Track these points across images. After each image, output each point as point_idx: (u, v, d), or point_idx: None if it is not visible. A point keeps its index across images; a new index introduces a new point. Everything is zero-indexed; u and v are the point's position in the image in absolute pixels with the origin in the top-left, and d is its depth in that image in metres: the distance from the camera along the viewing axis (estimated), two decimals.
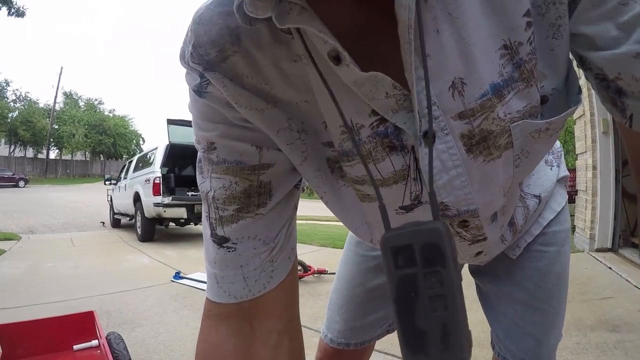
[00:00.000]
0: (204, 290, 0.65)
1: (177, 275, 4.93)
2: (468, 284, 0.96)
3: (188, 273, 5.07)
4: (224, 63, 0.51)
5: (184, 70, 0.56)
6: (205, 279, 3.87)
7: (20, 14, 8.48)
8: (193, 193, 8.40)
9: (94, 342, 2.35)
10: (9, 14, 8.43)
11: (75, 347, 2.32)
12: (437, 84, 0.46)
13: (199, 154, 0.60)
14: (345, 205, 0.62)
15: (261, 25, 0.47)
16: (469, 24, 0.44)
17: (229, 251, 0.59)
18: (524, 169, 0.58)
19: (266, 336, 0.62)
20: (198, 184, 0.61)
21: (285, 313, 0.65)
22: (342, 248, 1.10)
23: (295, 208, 0.66)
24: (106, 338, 2.20)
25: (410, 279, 0.36)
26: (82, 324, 2.40)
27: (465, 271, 0.95)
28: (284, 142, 0.56)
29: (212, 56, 0.51)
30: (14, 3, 8.28)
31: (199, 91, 0.54)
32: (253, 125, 0.55)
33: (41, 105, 48.91)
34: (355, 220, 0.65)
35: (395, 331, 0.39)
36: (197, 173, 0.62)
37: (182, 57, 0.54)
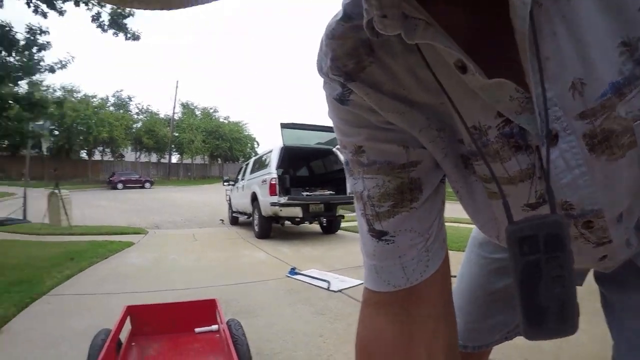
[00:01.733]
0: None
1: (292, 271, 5.03)
2: (589, 294, 0.75)
3: (303, 270, 5.13)
4: (363, 73, 0.54)
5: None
6: (320, 277, 4.05)
7: (135, 37, 9.35)
8: (308, 193, 8.68)
9: (214, 327, 2.41)
10: (126, 39, 9.35)
11: (197, 329, 2.39)
12: (557, 86, 0.46)
13: (345, 157, 0.64)
14: (476, 200, 0.63)
15: (391, 36, 0.48)
16: (584, 25, 0.44)
17: (388, 243, 0.63)
18: None
19: (423, 321, 0.65)
20: (350, 185, 0.65)
21: (440, 299, 0.67)
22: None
23: (444, 202, 0.67)
24: (227, 324, 2.22)
25: (534, 264, 0.43)
26: (205, 309, 2.48)
27: (589, 278, 0.87)
28: (426, 140, 0.58)
29: (350, 67, 0.54)
30: (129, 29, 9.16)
31: (341, 100, 0.57)
32: (396, 126, 0.57)
33: (162, 115, 53.46)
34: (484, 216, 0.66)
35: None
36: (347, 176, 0.66)
37: (320, 70, 0.58)
